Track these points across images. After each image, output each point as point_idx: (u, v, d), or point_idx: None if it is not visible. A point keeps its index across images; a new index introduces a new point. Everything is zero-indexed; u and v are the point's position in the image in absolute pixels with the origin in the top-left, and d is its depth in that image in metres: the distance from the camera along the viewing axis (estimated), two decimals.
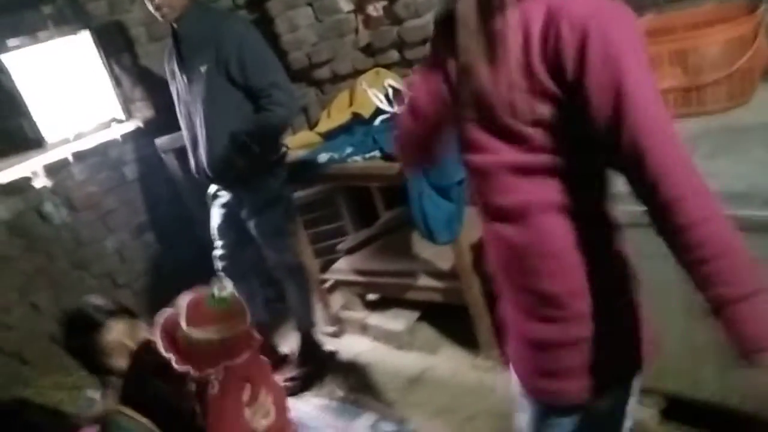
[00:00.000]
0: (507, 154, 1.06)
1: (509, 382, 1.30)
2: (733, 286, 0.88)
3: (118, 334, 1.51)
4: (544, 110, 1.00)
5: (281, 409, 1.54)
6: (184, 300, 1.40)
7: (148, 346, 1.47)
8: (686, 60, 1.72)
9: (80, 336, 1.51)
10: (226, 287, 1.39)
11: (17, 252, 2.79)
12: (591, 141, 0.99)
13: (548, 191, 1.05)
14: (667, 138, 0.92)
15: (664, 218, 0.92)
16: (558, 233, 1.07)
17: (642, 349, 1.15)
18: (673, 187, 0.90)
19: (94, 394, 2.59)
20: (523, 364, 1.23)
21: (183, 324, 1.34)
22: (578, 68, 0.94)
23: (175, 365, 1.35)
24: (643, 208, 0.96)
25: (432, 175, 2.09)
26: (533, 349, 1.18)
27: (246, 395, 1.41)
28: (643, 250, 1.12)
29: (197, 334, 1.34)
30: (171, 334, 1.36)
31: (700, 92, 1.74)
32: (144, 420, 1.54)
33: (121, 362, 1.53)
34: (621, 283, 1.13)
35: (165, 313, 1.42)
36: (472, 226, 2.35)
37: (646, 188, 0.93)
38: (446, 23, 1.11)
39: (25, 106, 2.88)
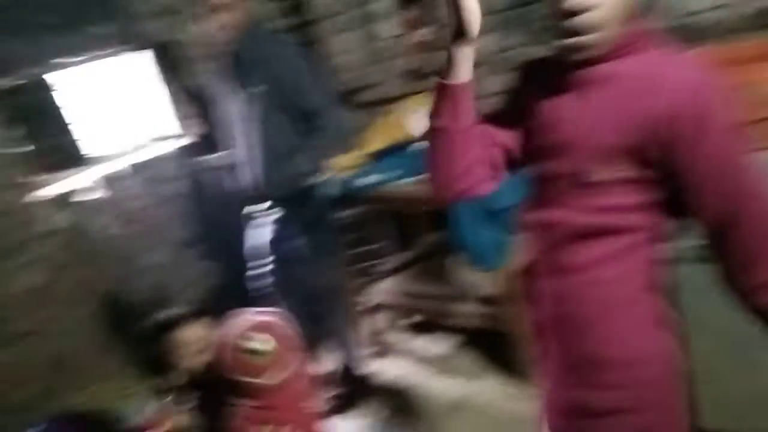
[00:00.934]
0: (584, 212, 1.05)
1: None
2: None
3: (194, 334, 1.56)
4: (629, 169, 0.99)
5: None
6: (228, 332, 1.43)
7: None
8: (751, 92, 1.68)
9: (160, 332, 1.56)
10: (265, 341, 1.42)
11: (69, 262, 2.88)
12: (671, 204, 0.99)
13: (613, 252, 1.04)
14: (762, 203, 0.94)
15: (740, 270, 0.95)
16: (624, 298, 1.07)
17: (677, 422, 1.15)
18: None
19: (144, 402, 2.65)
20: (560, 424, 1.23)
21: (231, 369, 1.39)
22: (677, 129, 0.94)
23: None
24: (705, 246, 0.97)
25: (476, 203, 2.09)
26: (572, 413, 1.18)
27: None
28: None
29: (246, 378, 1.39)
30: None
31: (763, 125, 1.71)
32: None
33: (192, 361, 1.57)
34: (669, 349, 1.12)
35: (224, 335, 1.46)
36: (518, 253, 2.34)
37: (732, 246, 0.95)
38: (539, 69, 1.13)
39: (83, 122, 2.98)
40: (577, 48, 0.97)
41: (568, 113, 1.05)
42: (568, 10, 0.93)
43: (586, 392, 1.13)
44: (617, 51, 0.98)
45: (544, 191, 1.12)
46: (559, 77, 1.07)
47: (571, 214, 1.06)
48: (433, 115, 1.12)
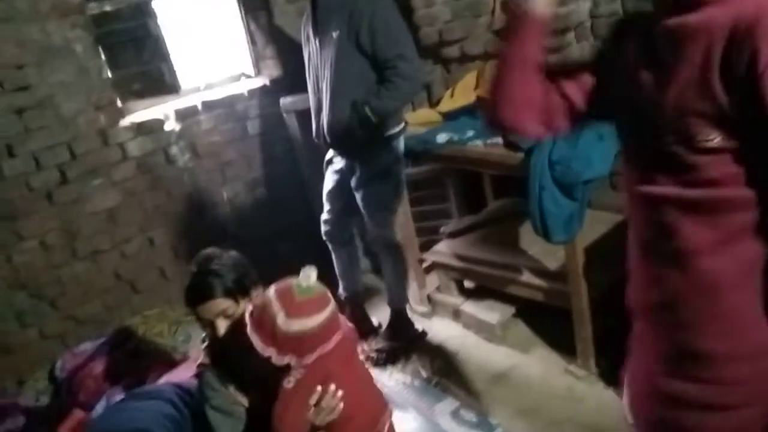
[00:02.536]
0: (672, 187, 0.97)
1: (621, 404, 1.24)
2: None
3: (215, 313, 1.51)
4: (717, 137, 0.90)
5: (362, 389, 1.56)
6: (272, 292, 1.42)
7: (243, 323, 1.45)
8: None
9: (190, 297, 1.54)
10: (310, 276, 1.42)
11: (142, 188, 2.97)
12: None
13: (720, 234, 0.95)
14: None
15: None
16: (731, 287, 0.97)
17: None
18: None
19: (192, 330, 2.74)
20: (650, 412, 1.14)
21: (281, 318, 1.37)
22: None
23: (275, 360, 1.38)
24: None
25: (557, 171, 2.01)
26: (666, 403, 1.09)
27: (314, 398, 1.43)
28: None
29: (296, 325, 1.37)
30: (266, 328, 1.38)
31: None
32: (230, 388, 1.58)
33: (209, 330, 1.57)
34: None
35: (257, 305, 1.44)
36: (589, 229, 2.26)
37: None
38: (632, 27, 1.06)
39: (168, 52, 3.03)
40: None
41: (657, 75, 0.97)
42: None
43: (689, 385, 1.04)
44: None
45: (640, 161, 1.04)
46: (651, 35, 0.98)
47: (664, 189, 0.98)
48: (503, 38, 1.16)
